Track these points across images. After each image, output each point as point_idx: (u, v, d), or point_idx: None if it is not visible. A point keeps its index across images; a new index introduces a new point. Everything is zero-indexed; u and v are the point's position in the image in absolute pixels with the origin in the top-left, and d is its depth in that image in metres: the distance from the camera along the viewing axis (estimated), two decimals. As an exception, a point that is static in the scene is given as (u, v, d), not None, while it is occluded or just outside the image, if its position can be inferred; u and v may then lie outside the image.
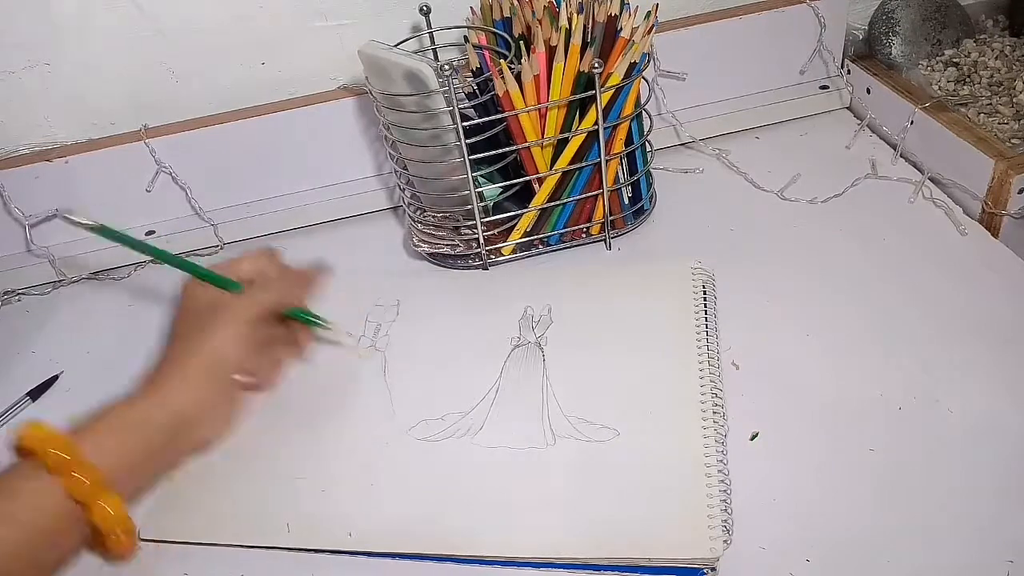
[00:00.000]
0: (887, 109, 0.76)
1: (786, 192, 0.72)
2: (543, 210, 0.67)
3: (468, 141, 0.61)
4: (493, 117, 0.63)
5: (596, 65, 0.59)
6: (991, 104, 0.72)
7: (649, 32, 0.62)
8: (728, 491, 0.49)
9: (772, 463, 0.51)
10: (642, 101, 0.66)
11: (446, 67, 0.57)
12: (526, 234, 0.68)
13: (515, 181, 0.66)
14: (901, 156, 0.74)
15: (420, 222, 0.69)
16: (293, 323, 0.60)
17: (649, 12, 0.62)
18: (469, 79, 0.65)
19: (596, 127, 0.62)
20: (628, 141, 0.66)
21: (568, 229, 0.68)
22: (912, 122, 0.73)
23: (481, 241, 0.67)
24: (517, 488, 0.51)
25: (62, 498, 0.45)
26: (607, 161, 0.64)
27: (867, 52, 0.81)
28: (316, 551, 0.50)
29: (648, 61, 0.65)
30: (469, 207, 0.65)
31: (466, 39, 0.71)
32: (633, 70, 0.62)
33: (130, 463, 0.49)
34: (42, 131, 0.73)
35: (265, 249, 0.61)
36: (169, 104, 0.74)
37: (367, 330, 0.63)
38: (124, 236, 0.56)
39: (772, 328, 0.60)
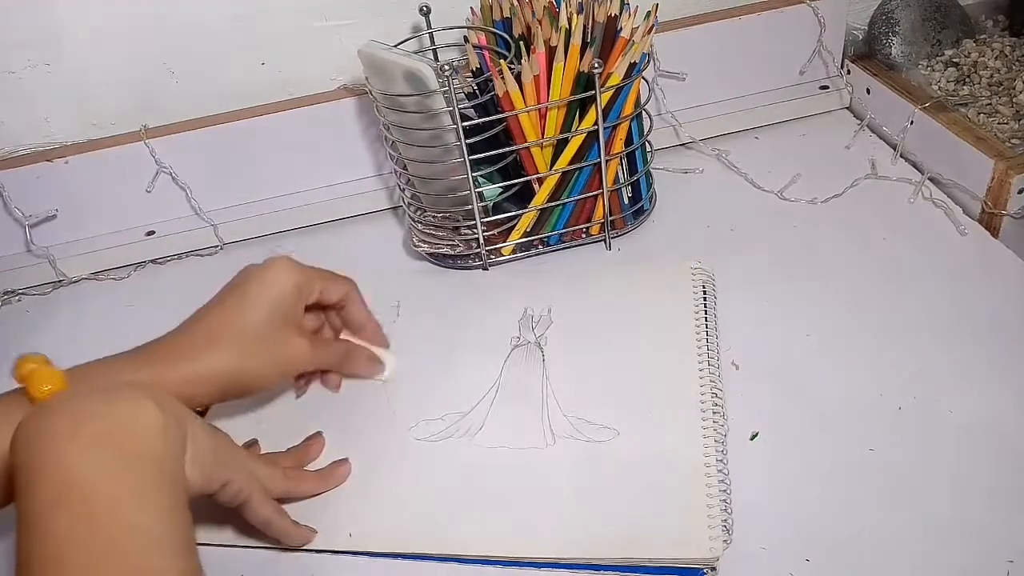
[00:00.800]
0: (887, 109, 0.76)
1: (786, 192, 0.72)
2: (543, 210, 0.67)
3: (468, 141, 0.61)
4: (493, 117, 0.63)
5: (596, 65, 0.59)
6: (991, 104, 0.72)
7: (649, 32, 0.62)
8: (728, 491, 0.49)
9: (772, 463, 0.51)
10: (642, 101, 0.66)
11: (446, 67, 0.57)
12: (526, 234, 0.68)
13: (515, 181, 0.66)
14: (901, 156, 0.74)
15: (420, 222, 0.69)
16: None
17: (649, 12, 0.62)
18: (469, 79, 0.65)
19: (596, 127, 0.62)
20: (628, 141, 0.66)
21: (568, 229, 0.68)
22: (912, 122, 0.73)
23: (481, 241, 0.67)
24: (517, 488, 0.51)
25: None
26: (607, 161, 0.64)
27: (867, 52, 0.81)
28: (316, 551, 0.50)
29: (648, 61, 0.65)
30: (469, 207, 0.65)
31: (466, 39, 0.71)
32: (633, 70, 0.62)
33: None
34: (42, 131, 0.73)
35: (347, 280, 0.58)
36: (169, 104, 0.73)
37: (367, 330, 0.63)
38: None
39: (772, 328, 0.60)
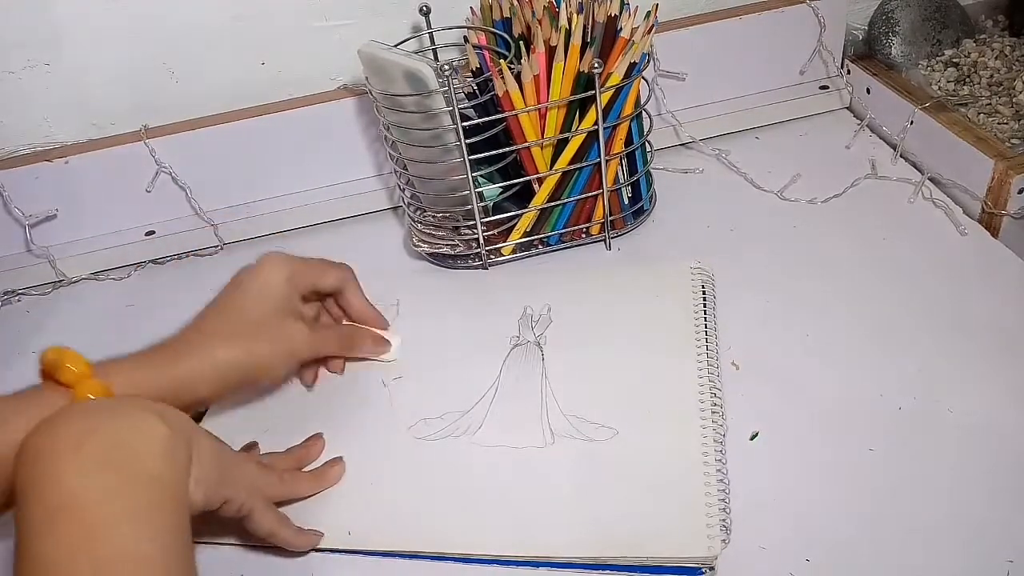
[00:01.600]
0: (887, 109, 0.76)
1: (786, 192, 0.72)
2: (543, 210, 0.67)
3: (468, 141, 0.61)
4: (493, 117, 0.63)
5: (596, 65, 0.59)
6: (991, 104, 0.72)
7: (649, 32, 0.62)
8: (727, 491, 0.49)
9: (772, 463, 0.51)
10: (642, 101, 0.66)
11: (446, 67, 0.57)
12: (526, 234, 0.68)
13: (515, 181, 0.66)
14: (901, 156, 0.74)
15: (420, 222, 0.69)
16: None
17: (649, 12, 0.62)
18: (469, 79, 0.65)
19: (596, 127, 0.62)
20: (628, 141, 0.66)
21: (568, 229, 0.68)
22: (912, 122, 0.73)
23: (481, 241, 0.67)
24: (516, 487, 0.51)
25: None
26: (607, 161, 0.64)
27: (867, 52, 0.81)
28: (316, 550, 0.50)
29: (648, 61, 0.65)
30: (469, 207, 0.65)
31: (466, 39, 0.71)
32: (633, 70, 0.62)
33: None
34: (42, 131, 0.73)
35: (344, 268, 0.60)
36: (169, 104, 0.74)
37: (367, 330, 0.63)
38: None
39: (772, 328, 0.60)
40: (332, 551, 0.49)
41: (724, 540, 0.46)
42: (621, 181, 0.68)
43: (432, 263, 0.70)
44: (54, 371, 0.45)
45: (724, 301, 0.62)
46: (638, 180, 0.69)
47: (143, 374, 0.48)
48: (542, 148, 0.65)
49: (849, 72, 0.81)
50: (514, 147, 0.64)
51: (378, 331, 0.61)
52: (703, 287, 0.62)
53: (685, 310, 0.60)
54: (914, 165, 0.73)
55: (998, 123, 0.70)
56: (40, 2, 0.68)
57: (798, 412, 0.54)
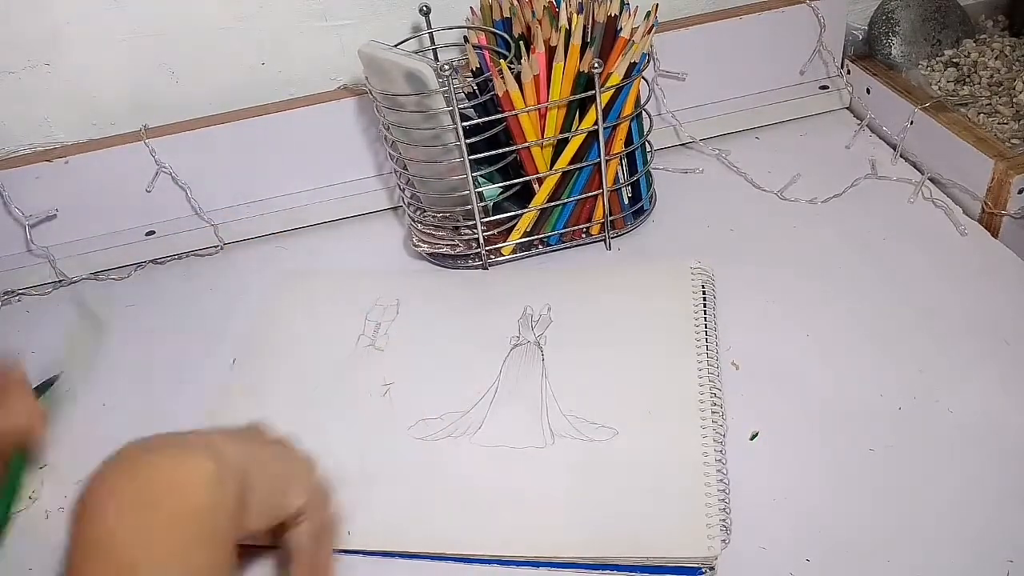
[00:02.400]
0: (887, 109, 0.76)
1: (786, 192, 0.72)
2: (543, 210, 0.67)
3: (468, 141, 0.61)
4: (493, 117, 0.63)
5: (596, 65, 0.59)
6: (991, 104, 0.72)
7: (649, 32, 0.62)
8: (727, 491, 0.49)
9: (772, 463, 0.51)
10: (642, 101, 0.66)
11: (446, 67, 0.57)
12: (526, 234, 0.68)
13: (515, 181, 0.66)
14: (901, 156, 0.74)
15: (420, 222, 0.69)
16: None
17: (649, 12, 0.62)
18: (469, 79, 0.65)
19: (596, 127, 0.62)
20: (628, 141, 0.66)
21: (568, 229, 0.68)
22: (912, 122, 0.73)
23: (481, 241, 0.67)
24: (516, 487, 0.51)
25: None
26: (607, 161, 0.64)
27: (867, 52, 0.81)
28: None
29: (648, 61, 0.65)
30: (469, 207, 0.65)
31: (466, 39, 0.71)
32: (633, 70, 0.62)
33: None
34: (42, 131, 0.73)
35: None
36: (169, 104, 0.74)
37: (367, 329, 0.63)
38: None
39: (772, 328, 0.60)
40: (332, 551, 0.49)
41: (724, 540, 0.46)
42: (621, 181, 0.68)
43: (432, 263, 0.70)
44: None
45: (724, 301, 0.62)
46: (638, 180, 0.69)
47: None
48: (542, 148, 0.65)
49: (849, 72, 0.81)
50: (514, 147, 0.64)
51: None
52: (703, 287, 0.62)
53: (685, 310, 0.60)
54: (914, 165, 0.73)
55: (998, 123, 0.70)
56: (40, 2, 0.68)
57: (798, 412, 0.54)
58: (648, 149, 0.70)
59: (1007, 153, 0.66)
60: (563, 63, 0.61)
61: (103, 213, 0.74)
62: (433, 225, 0.68)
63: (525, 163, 0.65)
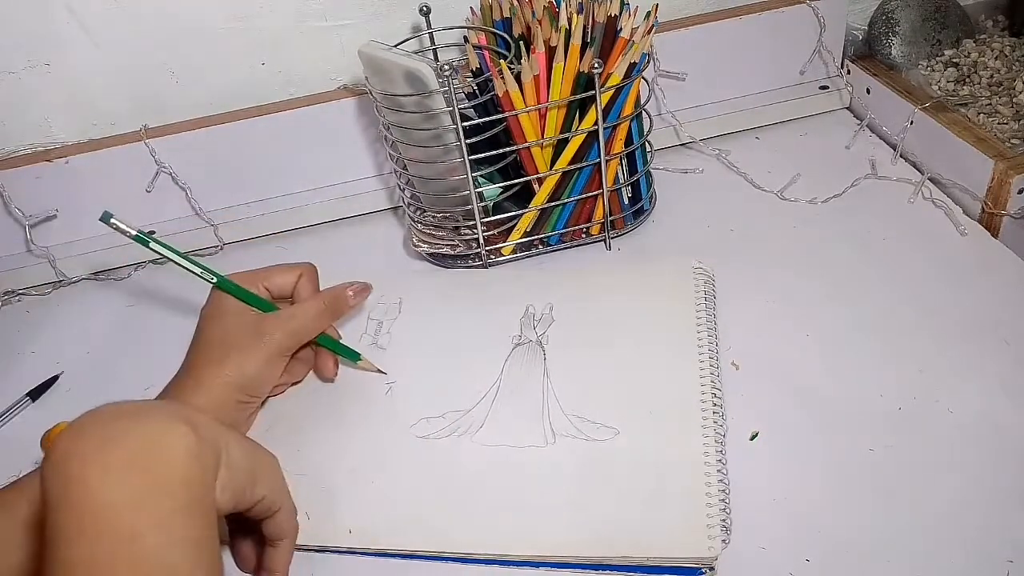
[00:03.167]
0: (887, 109, 0.76)
1: (786, 192, 0.72)
2: (543, 210, 0.67)
3: (468, 141, 0.61)
4: (493, 117, 0.63)
5: (596, 65, 0.59)
6: (991, 104, 0.72)
7: (649, 32, 0.62)
8: (727, 491, 0.49)
9: (772, 463, 0.51)
10: (642, 101, 0.66)
11: (446, 67, 0.57)
12: (526, 234, 0.68)
13: (515, 181, 0.66)
14: (901, 156, 0.74)
15: (420, 222, 0.69)
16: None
17: (649, 12, 0.62)
18: (469, 79, 0.65)
19: (596, 127, 0.62)
20: (628, 141, 0.66)
21: (568, 229, 0.68)
22: (912, 122, 0.73)
23: (481, 241, 0.67)
24: (517, 487, 0.51)
25: None
26: (607, 161, 0.64)
27: (867, 52, 0.81)
28: (316, 549, 0.50)
29: (648, 61, 0.65)
30: (469, 207, 0.65)
31: (466, 39, 0.71)
32: (633, 70, 0.62)
33: None
34: (42, 131, 0.73)
35: (302, 265, 0.59)
36: (169, 104, 0.74)
37: (369, 328, 0.63)
38: (169, 247, 0.55)
39: (772, 328, 0.60)
40: (332, 550, 0.49)
41: (724, 540, 0.46)
42: (621, 181, 0.68)
43: (432, 263, 0.70)
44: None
45: (724, 301, 0.62)
46: (638, 180, 0.69)
47: None
48: (542, 148, 0.65)
49: (849, 72, 0.81)
50: (514, 147, 0.64)
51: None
52: (703, 287, 0.62)
53: (685, 310, 0.60)
54: (914, 165, 0.73)
55: (998, 123, 0.70)
56: (40, 2, 0.68)
57: (798, 412, 0.54)
58: (648, 149, 0.70)
59: (1007, 153, 0.66)
60: (563, 63, 0.61)
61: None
62: (433, 225, 0.68)
63: (525, 163, 0.65)
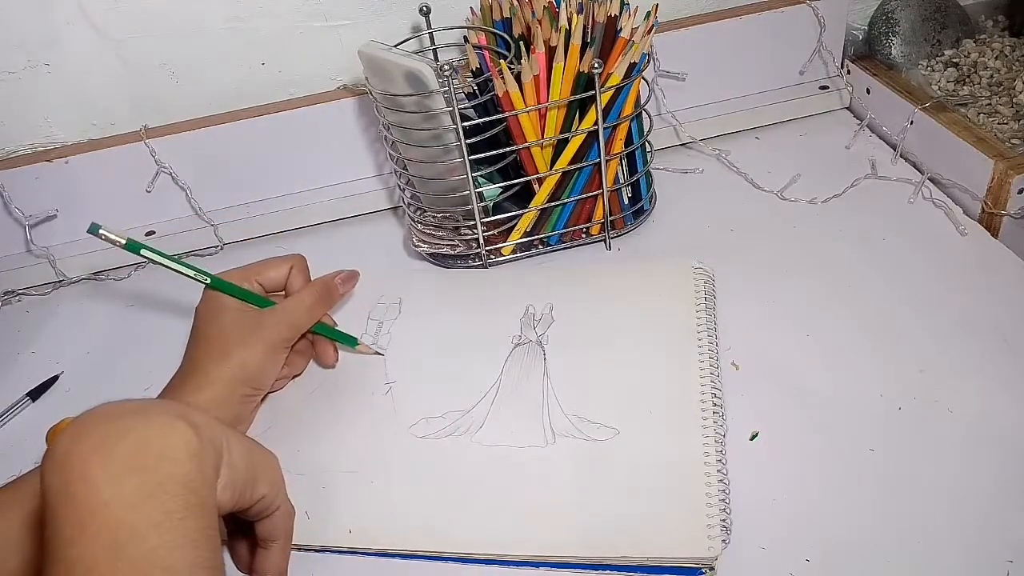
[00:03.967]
0: (887, 109, 0.76)
1: (786, 192, 0.72)
2: (543, 210, 0.67)
3: (468, 141, 0.61)
4: (493, 117, 0.63)
5: (596, 65, 0.59)
6: (991, 104, 0.72)
7: (649, 32, 0.62)
8: (727, 491, 0.49)
9: (772, 463, 0.51)
10: (642, 101, 0.66)
11: (446, 67, 0.57)
12: (526, 234, 0.68)
13: (515, 181, 0.66)
14: (901, 156, 0.74)
15: (420, 222, 0.69)
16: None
17: (649, 12, 0.62)
18: (469, 79, 0.65)
19: (596, 127, 0.62)
20: (628, 141, 0.66)
21: (568, 229, 0.68)
22: (912, 122, 0.73)
23: (481, 241, 0.67)
24: (517, 487, 0.51)
25: None
26: (607, 161, 0.64)
27: (867, 52, 0.81)
28: (316, 549, 0.50)
29: (648, 61, 0.65)
30: (469, 207, 0.65)
31: (466, 39, 0.71)
32: (633, 70, 0.62)
33: None
34: (42, 131, 0.73)
35: (292, 257, 0.60)
36: (169, 104, 0.74)
37: (369, 328, 0.63)
38: (160, 253, 0.55)
39: (772, 328, 0.60)
40: (332, 550, 0.49)
41: (724, 540, 0.46)
42: (621, 181, 0.68)
43: (432, 263, 0.70)
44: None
45: (724, 301, 0.62)
46: (638, 180, 0.69)
47: None
48: (542, 148, 0.65)
49: (849, 72, 0.81)
50: (514, 147, 0.64)
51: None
52: (703, 287, 0.62)
53: (685, 310, 0.60)
54: (914, 165, 0.73)
55: (998, 123, 0.70)
56: (40, 2, 0.68)
57: (798, 412, 0.54)
58: (648, 149, 0.70)
59: (1007, 153, 0.66)
60: (563, 63, 0.61)
61: (103, 213, 0.74)
62: (433, 225, 0.68)
63: (525, 163, 0.65)
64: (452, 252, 0.68)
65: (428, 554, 0.48)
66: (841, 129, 0.79)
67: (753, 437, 0.53)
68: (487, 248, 0.67)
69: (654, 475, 0.50)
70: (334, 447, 0.55)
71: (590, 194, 0.66)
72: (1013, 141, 0.67)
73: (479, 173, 0.64)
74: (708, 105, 0.79)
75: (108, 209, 0.74)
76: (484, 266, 0.68)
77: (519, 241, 0.68)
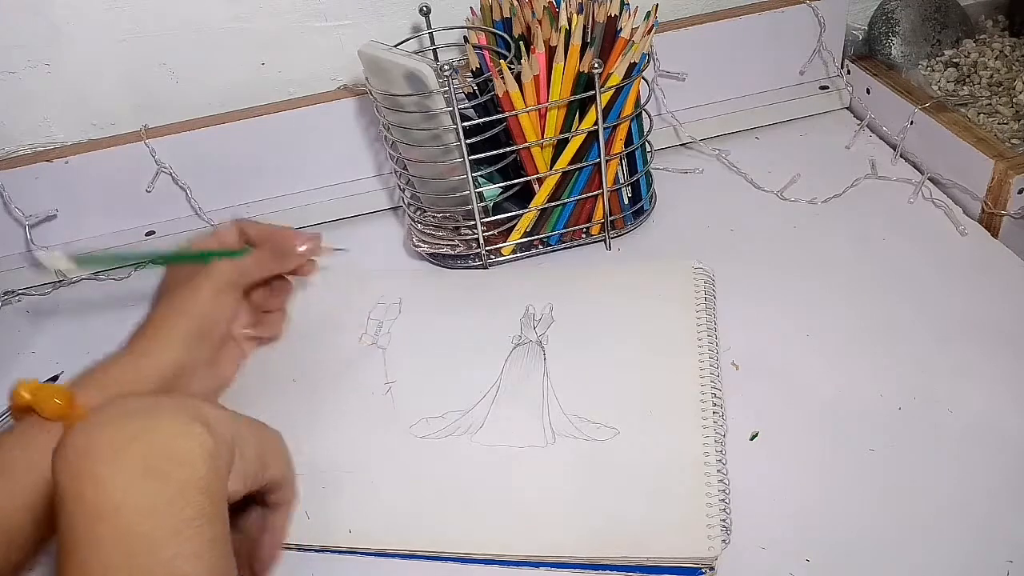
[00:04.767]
0: (887, 109, 0.76)
1: (786, 192, 0.72)
2: (543, 210, 0.67)
3: (468, 141, 0.61)
4: (493, 117, 0.63)
5: (596, 65, 0.59)
6: (991, 104, 0.72)
7: (649, 32, 0.62)
8: (727, 491, 0.49)
9: (772, 463, 0.51)
10: (642, 101, 0.66)
11: (446, 67, 0.57)
12: (526, 234, 0.68)
13: (515, 181, 0.66)
14: (901, 156, 0.74)
15: (420, 222, 0.69)
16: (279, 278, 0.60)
17: (649, 12, 0.63)
18: (469, 79, 0.65)
19: (596, 127, 0.62)
20: (628, 141, 0.66)
21: (568, 229, 0.68)
22: (912, 122, 0.73)
23: (481, 241, 0.67)
24: (517, 487, 0.51)
25: None
26: (607, 161, 0.64)
27: (867, 52, 0.81)
28: (316, 549, 0.50)
29: (648, 61, 0.65)
30: (469, 207, 0.65)
31: (466, 39, 0.71)
32: (633, 70, 0.62)
33: None
34: (42, 131, 0.73)
35: (236, 221, 0.60)
36: (169, 104, 0.74)
37: (369, 328, 0.63)
38: (104, 258, 0.55)
39: (772, 328, 0.60)
40: (332, 550, 0.49)
41: (724, 540, 0.46)
42: (621, 181, 0.69)
43: (432, 263, 0.70)
44: (35, 407, 0.46)
45: (724, 301, 0.62)
46: (638, 180, 0.69)
47: (128, 377, 0.49)
48: (542, 148, 0.65)
49: (849, 72, 0.81)
50: (514, 147, 0.64)
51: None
52: (703, 287, 0.62)
53: (685, 310, 0.60)
54: (914, 165, 0.73)
55: (998, 123, 0.70)
56: (40, 2, 0.68)
57: (798, 412, 0.54)
58: (648, 149, 0.70)
59: (1007, 153, 0.66)
60: (563, 63, 0.61)
61: (103, 213, 0.74)
62: (433, 225, 0.68)
63: (525, 163, 0.65)
64: (452, 252, 0.68)
65: (428, 554, 0.48)
66: (841, 129, 0.79)
67: (753, 437, 0.53)
68: (487, 248, 0.67)
69: (654, 475, 0.50)
70: (334, 447, 0.55)
71: (590, 194, 0.66)
72: (1013, 141, 0.67)
73: (479, 173, 0.64)
74: (708, 105, 0.79)
75: (108, 209, 0.74)
76: (484, 266, 0.68)
77: (519, 241, 0.68)
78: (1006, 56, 0.76)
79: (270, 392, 0.59)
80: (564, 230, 0.68)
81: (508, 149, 0.64)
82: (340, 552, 0.49)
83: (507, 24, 0.66)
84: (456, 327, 0.63)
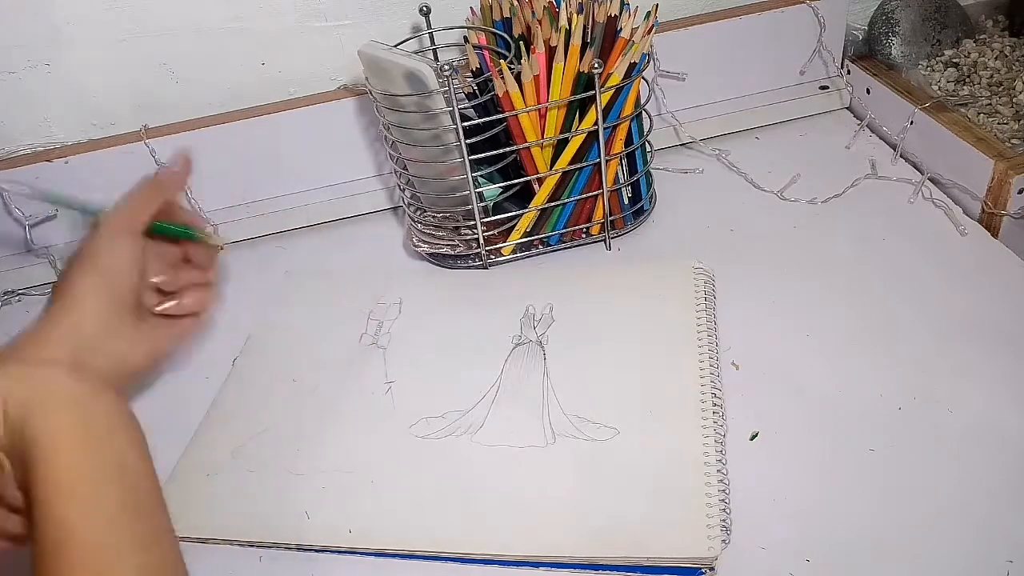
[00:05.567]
0: (887, 109, 0.76)
1: (786, 192, 0.72)
2: (543, 210, 0.67)
3: (468, 141, 0.61)
4: (493, 117, 0.63)
5: (596, 65, 0.59)
6: (991, 104, 0.72)
7: (649, 32, 0.62)
8: (727, 491, 0.49)
9: (772, 463, 0.51)
10: (642, 101, 0.66)
11: (446, 67, 0.57)
12: (526, 234, 0.68)
13: (515, 181, 0.66)
14: (901, 156, 0.74)
15: (420, 222, 0.69)
16: (188, 246, 0.59)
17: (649, 12, 0.63)
18: (469, 79, 0.65)
19: (596, 127, 0.62)
20: (628, 141, 0.66)
21: (568, 229, 0.68)
22: (912, 122, 0.73)
23: (481, 241, 0.67)
24: (517, 487, 0.51)
25: None
26: (607, 161, 0.64)
27: (867, 52, 0.81)
28: (316, 549, 0.50)
29: (648, 61, 0.65)
30: (469, 207, 0.65)
31: (466, 39, 0.71)
32: (633, 70, 0.62)
33: None
34: (42, 131, 0.73)
35: (147, 184, 0.59)
36: (169, 104, 0.74)
37: (369, 328, 0.63)
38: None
39: (772, 328, 0.60)
40: (332, 550, 0.49)
41: (724, 540, 0.46)
42: (621, 181, 0.69)
43: (432, 263, 0.70)
44: None
45: (724, 301, 0.62)
46: (638, 180, 0.69)
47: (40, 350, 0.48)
48: (542, 148, 0.65)
49: (849, 72, 0.81)
50: (514, 147, 0.64)
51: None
52: (703, 287, 0.62)
53: (685, 310, 0.60)
54: (914, 165, 0.73)
55: (998, 123, 0.70)
56: (40, 2, 0.68)
57: (798, 412, 0.54)
58: (648, 149, 0.70)
59: (1007, 153, 0.66)
60: (563, 63, 0.61)
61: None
62: (433, 225, 0.68)
63: (525, 163, 0.65)
64: (452, 252, 0.68)
65: (428, 554, 0.48)
66: (841, 129, 0.79)
67: (753, 437, 0.53)
68: (487, 248, 0.67)
69: (654, 475, 0.50)
70: (334, 447, 0.55)
71: (590, 194, 0.66)
72: (1013, 141, 0.67)
73: (479, 173, 0.64)
74: (708, 105, 0.79)
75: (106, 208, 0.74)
76: (484, 266, 0.68)
77: (519, 241, 0.68)
78: (1006, 56, 0.76)
79: (270, 392, 0.59)
80: (564, 230, 0.68)
81: (508, 149, 0.64)
82: (340, 552, 0.49)
83: (507, 24, 0.66)
84: (456, 327, 0.63)
